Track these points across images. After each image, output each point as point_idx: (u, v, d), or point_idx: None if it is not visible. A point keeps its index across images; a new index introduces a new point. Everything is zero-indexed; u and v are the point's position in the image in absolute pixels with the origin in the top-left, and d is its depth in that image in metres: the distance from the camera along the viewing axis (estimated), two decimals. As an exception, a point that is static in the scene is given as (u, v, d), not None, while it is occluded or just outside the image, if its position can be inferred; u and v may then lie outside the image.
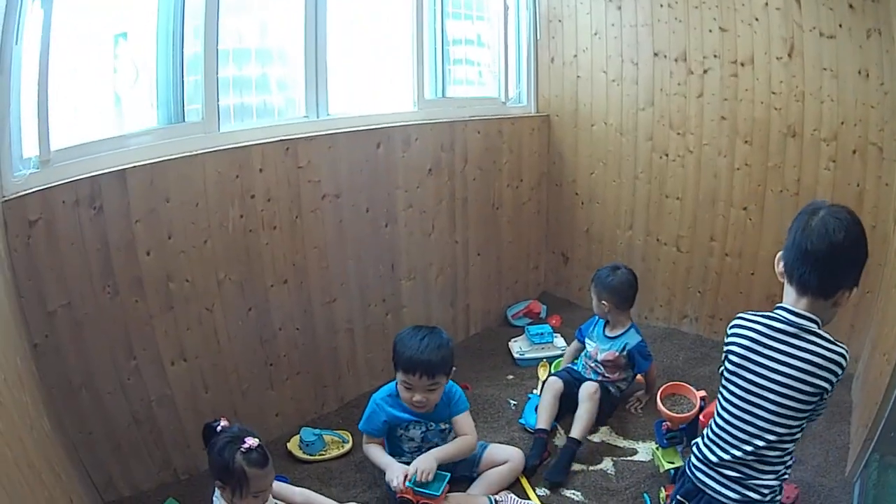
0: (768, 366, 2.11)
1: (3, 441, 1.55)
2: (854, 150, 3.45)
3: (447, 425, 3.10)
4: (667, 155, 4.21)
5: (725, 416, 2.22)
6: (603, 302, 3.62)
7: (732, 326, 2.24)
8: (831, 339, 2.06)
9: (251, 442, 2.42)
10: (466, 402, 3.15)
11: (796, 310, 2.08)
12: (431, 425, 3.07)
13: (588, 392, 3.40)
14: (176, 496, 2.97)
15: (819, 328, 2.06)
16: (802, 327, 2.06)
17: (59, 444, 2.35)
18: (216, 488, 2.50)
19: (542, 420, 3.39)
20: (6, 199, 2.32)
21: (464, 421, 3.11)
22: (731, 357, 2.21)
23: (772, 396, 2.11)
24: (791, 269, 2.09)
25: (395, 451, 3.10)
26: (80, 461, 2.70)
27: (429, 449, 3.03)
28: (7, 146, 2.30)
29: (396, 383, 3.02)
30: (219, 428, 2.48)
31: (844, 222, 2.01)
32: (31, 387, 2.18)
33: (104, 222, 2.61)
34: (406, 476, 2.83)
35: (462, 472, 3.07)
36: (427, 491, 2.83)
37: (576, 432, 3.29)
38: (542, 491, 3.10)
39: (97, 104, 2.85)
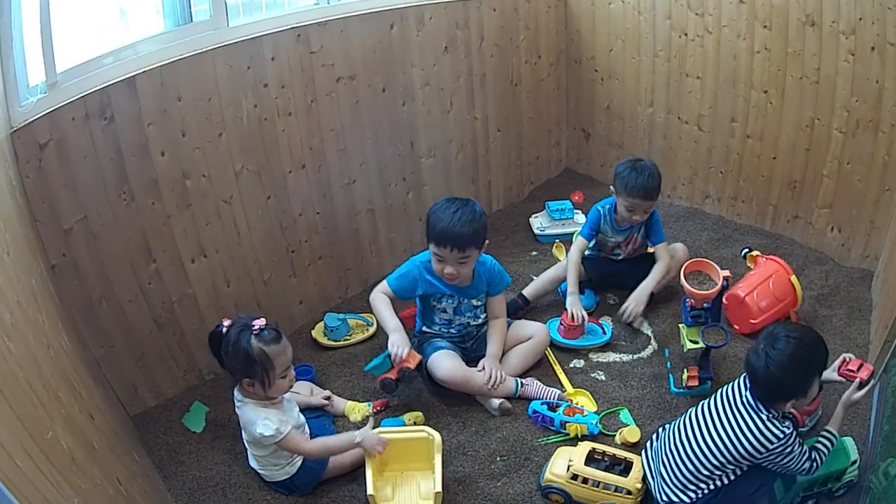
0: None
1: (14, 362, 1.57)
2: (873, 48, 3.34)
3: (480, 301, 3.13)
4: (686, 34, 4.09)
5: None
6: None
7: None
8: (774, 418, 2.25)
9: (259, 322, 2.46)
10: (506, 280, 3.18)
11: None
12: (464, 300, 3.10)
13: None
14: (202, 399, 3.08)
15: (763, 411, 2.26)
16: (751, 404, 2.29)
17: (80, 361, 2.40)
18: (237, 391, 2.55)
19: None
20: (14, 129, 2.31)
21: (499, 302, 3.16)
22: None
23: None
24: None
25: (427, 321, 3.17)
26: (104, 376, 2.78)
27: (460, 324, 3.12)
28: (12, 77, 2.27)
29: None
30: (224, 329, 2.50)
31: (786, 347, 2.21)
32: (48, 307, 2.21)
33: (116, 130, 2.60)
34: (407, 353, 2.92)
35: (480, 353, 3.11)
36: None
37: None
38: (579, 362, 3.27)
39: (103, 21, 2.79)
